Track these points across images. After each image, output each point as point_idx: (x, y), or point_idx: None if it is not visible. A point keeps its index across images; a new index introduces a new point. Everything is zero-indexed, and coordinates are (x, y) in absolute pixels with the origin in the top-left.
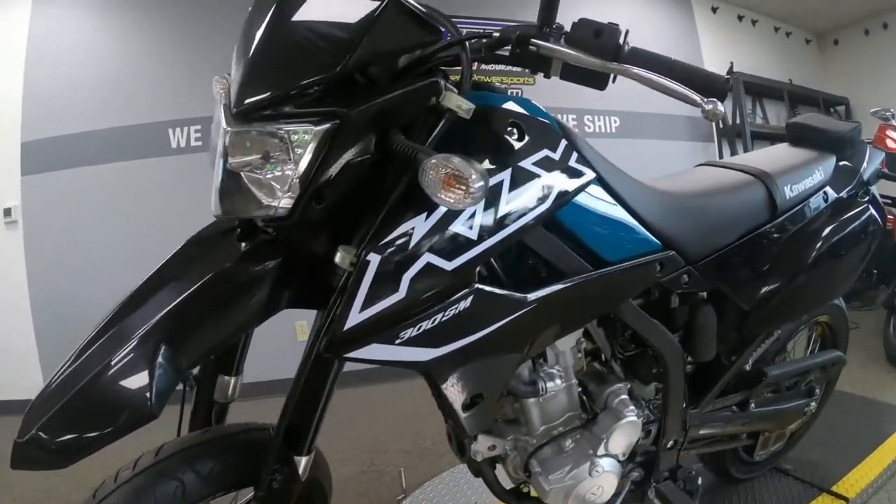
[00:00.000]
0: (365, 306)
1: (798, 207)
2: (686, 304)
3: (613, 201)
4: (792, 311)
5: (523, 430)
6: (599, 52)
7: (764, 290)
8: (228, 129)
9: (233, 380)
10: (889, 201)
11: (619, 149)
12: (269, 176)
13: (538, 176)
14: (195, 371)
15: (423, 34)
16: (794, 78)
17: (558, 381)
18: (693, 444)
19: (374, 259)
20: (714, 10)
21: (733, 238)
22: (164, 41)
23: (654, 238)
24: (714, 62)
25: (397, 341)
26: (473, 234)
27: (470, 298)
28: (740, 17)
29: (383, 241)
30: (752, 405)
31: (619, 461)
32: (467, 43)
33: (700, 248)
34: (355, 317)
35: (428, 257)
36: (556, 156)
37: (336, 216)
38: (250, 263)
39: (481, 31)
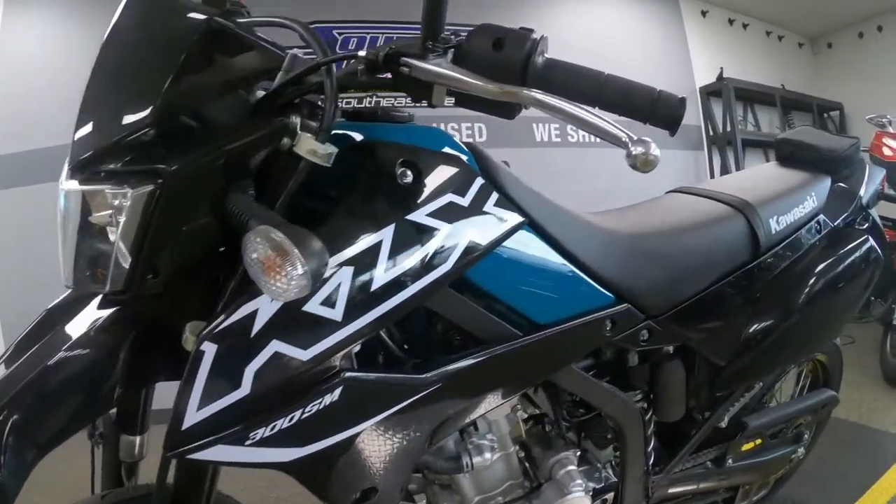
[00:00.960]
0: (203, 403)
1: (786, 242)
2: (646, 362)
3: (550, 249)
4: (775, 363)
5: (457, 498)
6: (498, 72)
7: (743, 341)
8: (60, 186)
9: (137, 439)
10: (889, 223)
11: (604, 159)
12: (98, 246)
13: (435, 230)
14: (101, 428)
15: (261, 62)
16: (786, 83)
17: (488, 455)
18: None
19: (210, 349)
20: (704, 13)
21: (706, 284)
22: None
23: (603, 290)
24: (704, 67)
25: (248, 442)
26: (337, 315)
27: (338, 391)
28: (731, 21)
29: (221, 327)
30: (730, 460)
31: None
32: (333, 66)
33: (664, 298)
34: (193, 415)
35: (276, 346)
36: (466, 200)
37: (185, 288)
38: (108, 334)
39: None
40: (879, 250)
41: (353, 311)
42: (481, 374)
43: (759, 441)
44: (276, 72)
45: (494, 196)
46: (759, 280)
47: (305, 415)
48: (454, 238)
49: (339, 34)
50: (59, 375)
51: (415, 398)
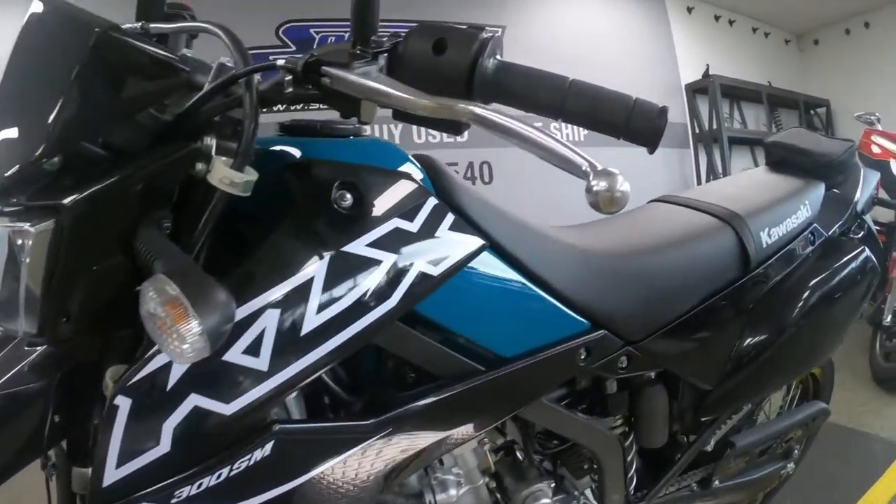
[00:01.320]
0: (122, 461)
1: (777, 255)
2: (626, 389)
3: (516, 274)
4: (766, 385)
5: None
6: (439, 80)
7: (731, 363)
8: None
9: (89, 471)
10: (882, 228)
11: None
12: (13, 284)
13: (377, 262)
14: (53, 459)
15: (162, 77)
16: (772, 80)
17: (454, 492)
18: None
19: (124, 403)
20: (689, 10)
21: (691, 304)
22: None
23: (577, 316)
24: (690, 65)
25: (173, 501)
26: (262, 364)
27: (269, 445)
28: (717, 17)
29: (135, 379)
30: (717, 482)
31: None
32: (254, 78)
33: (645, 322)
34: (113, 472)
35: (195, 400)
36: (415, 225)
37: (107, 330)
38: (40, 369)
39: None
40: (875, 260)
41: (280, 360)
42: (439, 415)
43: (746, 459)
44: (181, 88)
45: (450, 218)
46: (749, 297)
47: (234, 472)
48: (400, 270)
49: (317, 33)
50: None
51: (362, 445)
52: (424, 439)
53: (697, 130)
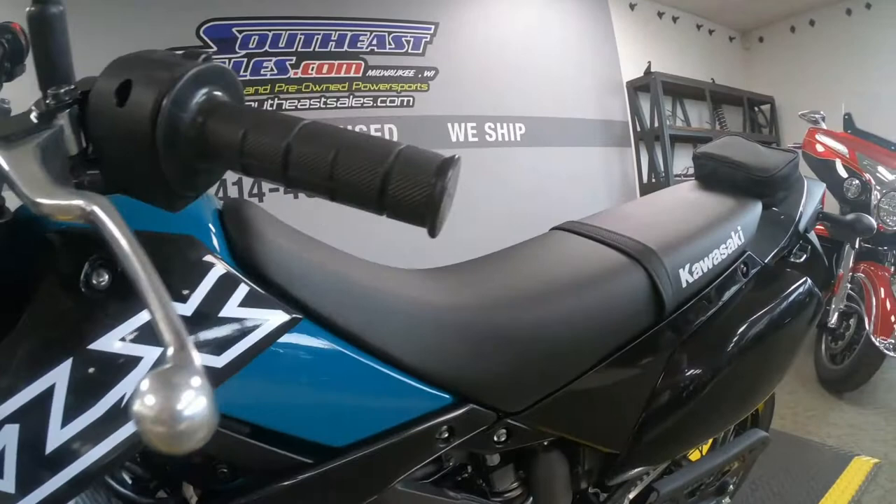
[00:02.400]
0: None
1: (701, 295)
2: (510, 461)
3: (347, 348)
4: (688, 441)
5: None
6: (123, 144)
7: (643, 423)
8: None
9: None
10: (827, 224)
11: (525, 159)
12: None
13: (137, 359)
14: None
15: None
16: (716, 77)
17: None
18: None
19: None
20: (632, 6)
21: (589, 364)
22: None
23: (433, 390)
24: (631, 62)
25: None
26: (9, 486)
27: None
28: (660, 14)
29: None
30: None
31: None
32: None
33: (525, 390)
34: None
35: None
36: (191, 306)
37: None
38: None
39: None
40: (818, 289)
41: (29, 481)
42: None
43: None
44: None
45: (242, 290)
46: (664, 347)
47: None
48: None
49: (239, 32)
50: None
51: None
52: None
53: (639, 129)
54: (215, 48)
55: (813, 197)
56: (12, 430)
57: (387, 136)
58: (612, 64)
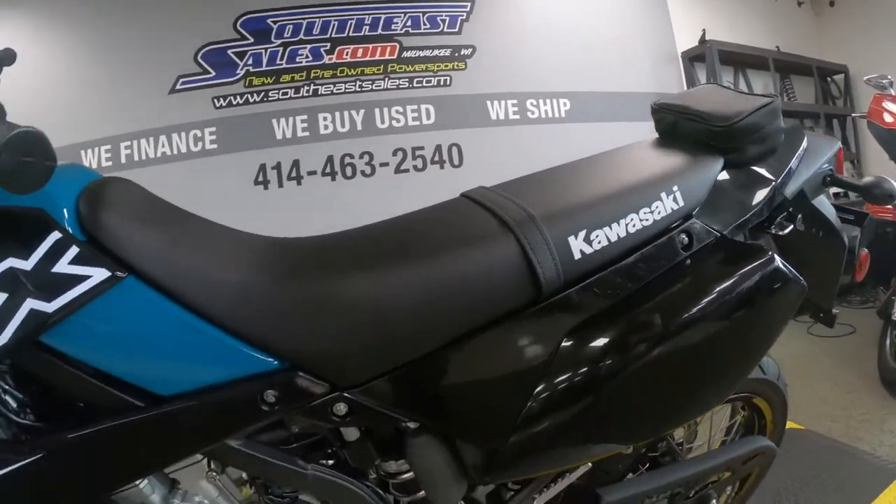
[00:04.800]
0: None
1: (612, 269)
2: (368, 438)
3: (172, 306)
4: (586, 448)
5: None
6: None
7: (528, 420)
8: None
9: None
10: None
11: (571, 136)
12: None
13: None
14: None
15: None
16: (782, 45)
17: None
18: None
19: None
20: None
21: (438, 342)
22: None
23: (258, 354)
24: (687, 30)
25: None
26: None
27: None
28: None
29: None
30: None
31: None
32: None
33: (363, 362)
34: None
35: None
36: (30, 263)
37: None
38: None
39: None
40: (789, 270)
41: None
42: (96, 448)
43: None
44: None
45: (73, 251)
46: (552, 328)
47: None
48: (11, 308)
49: (274, 22)
50: None
51: (18, 465)
52: (87, 471)
53: None
54: (252, 39)
55: (814, 156)
56: None
57: (423, 117)
58: (665, 33)
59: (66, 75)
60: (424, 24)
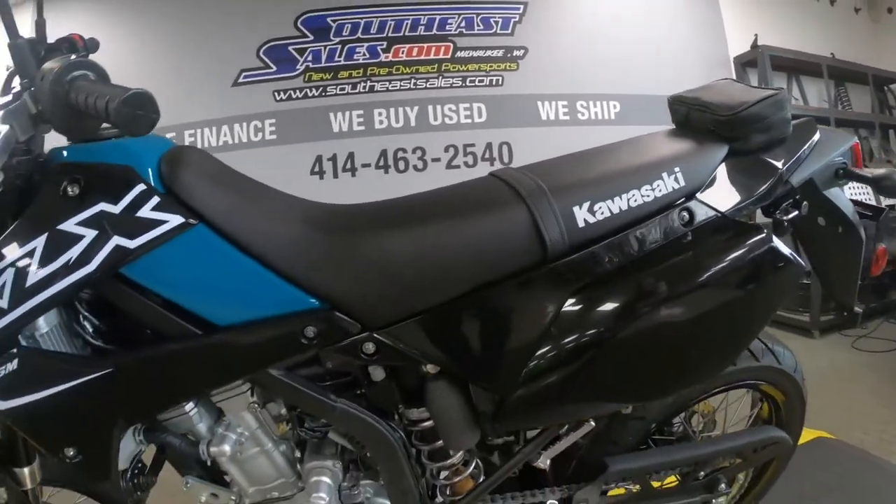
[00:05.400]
0: None
1: (613, 239)
2: (392, 379)
3: (232, 250)
4: (581, 407)
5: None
6: None
7: (530, 374)
8: None
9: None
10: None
11: (620, 138)
12: None
13: (81, 236)
14: None
15: None
16: (837, 52)
17: (228, 447)
18: None
19: None
20: None
21: (455, 292)
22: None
23: (303, 294)
24: (740, 36)
25: None
26: (4, 303)
27: (15, 361)
28: None
29: None
30: None
31: None
32: None
33: (388, 306)
34: None
35: None
36: (118, 208)
37: None
38: None
39: None
40: (791, 252)
41: (15, 302)
42: (157, 368)
43: (639, 485)
44: None
45: (154, 200)
46: (554, 289)
47: None
48: (100, 243)
49: (333, 21)
50: None
51: (91, 377)
52: (147, 386)
53: None
54: (312, 37)
55: (827, 148)
56: (11, 272)
57: (475, 115)
58: (718, 38)
59: (137, 66)
60: (478, 26)
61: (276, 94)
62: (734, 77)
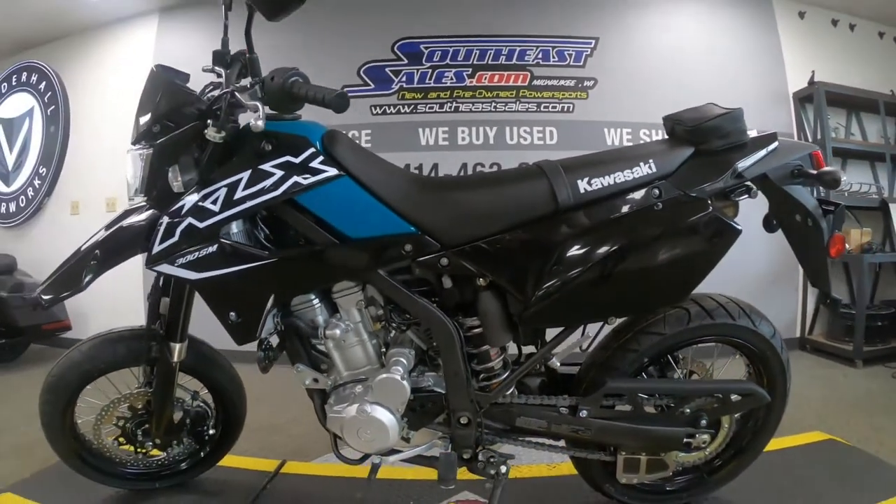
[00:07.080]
0: (160, 243)
1: (601, 203)
2: (457, 287)
3: (363, 192)
4: (575, 314)
5: (334, 373)
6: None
7: (543, 286)
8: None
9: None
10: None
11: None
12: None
13: (272, 174)
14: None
15: (184, 97)
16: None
17: (338, 332)
18: (510, 434)
19: (165, 220)
20: (801, 14)
21: (497, 228)
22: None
23: (404, 222)
24: (799, 73)
25: (176, 263)
26: (216, 208)
27: (215, 246)
28: (834, 22)
29: (172, 210)
30: (584, 412)
31: (393, 414)
32: (227, 95)
33: (457, 234)
34: (156, 248)
35: (189, 220)
36: (298, 160)
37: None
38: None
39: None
40: (726, 220)
41: (223, 208)
42: (307, 261)
43: (632, 406)
44: (195, 101)
45: (320, 158)
46: (560, 232)
47: (201, 255)
48: (285, 179)
49: (426, 48)
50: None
51: (263, 262)
52: (298, 274)
53: (804, 141)
54: (406, 61)
55: (787, 153)
56: (223, 190)
57: (547, 138)
58: (777, 74)
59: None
60: (553, 57)
61: (372, 108)
62: (793, 112)
